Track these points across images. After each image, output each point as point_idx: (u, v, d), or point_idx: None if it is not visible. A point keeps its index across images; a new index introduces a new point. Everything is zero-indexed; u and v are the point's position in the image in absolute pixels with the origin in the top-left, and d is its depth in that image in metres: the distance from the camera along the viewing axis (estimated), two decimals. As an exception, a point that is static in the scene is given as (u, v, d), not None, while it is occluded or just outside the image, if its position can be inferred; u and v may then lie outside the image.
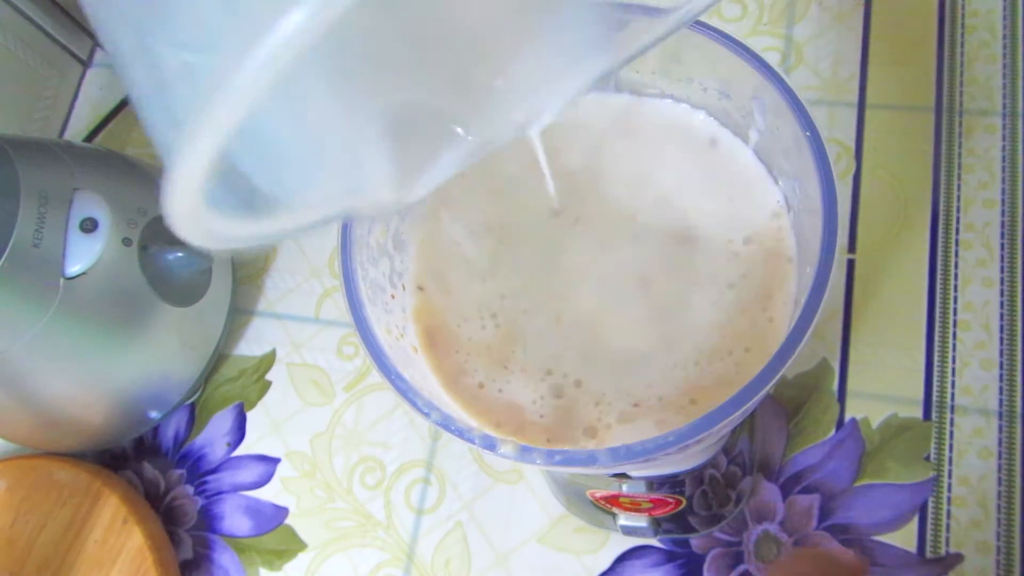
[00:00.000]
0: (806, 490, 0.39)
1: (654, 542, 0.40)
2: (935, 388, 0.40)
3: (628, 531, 0.38)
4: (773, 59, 0.46)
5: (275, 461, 0.46)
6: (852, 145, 0.45)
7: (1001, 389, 0.39)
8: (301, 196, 0.16)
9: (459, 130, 0.17)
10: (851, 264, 0.43)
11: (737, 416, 0.22)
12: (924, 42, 0.46)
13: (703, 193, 0.29)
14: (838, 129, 0.45)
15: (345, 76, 0.15)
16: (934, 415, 0.40)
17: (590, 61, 0.18)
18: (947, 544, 0.38)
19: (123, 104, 0.57)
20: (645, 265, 0.28)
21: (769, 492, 0.40)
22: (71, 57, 0.58)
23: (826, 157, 0.24)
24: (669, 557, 0.40)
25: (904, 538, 0.38)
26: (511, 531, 0.42)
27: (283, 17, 0.11)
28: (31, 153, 0.40)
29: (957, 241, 0.42)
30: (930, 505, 0.38)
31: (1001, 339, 0.40)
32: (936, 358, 0.40)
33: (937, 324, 0.41)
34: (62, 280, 0.39)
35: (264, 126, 0.15)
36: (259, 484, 0.46)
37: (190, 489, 0.46)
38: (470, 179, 0.31)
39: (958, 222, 0.42)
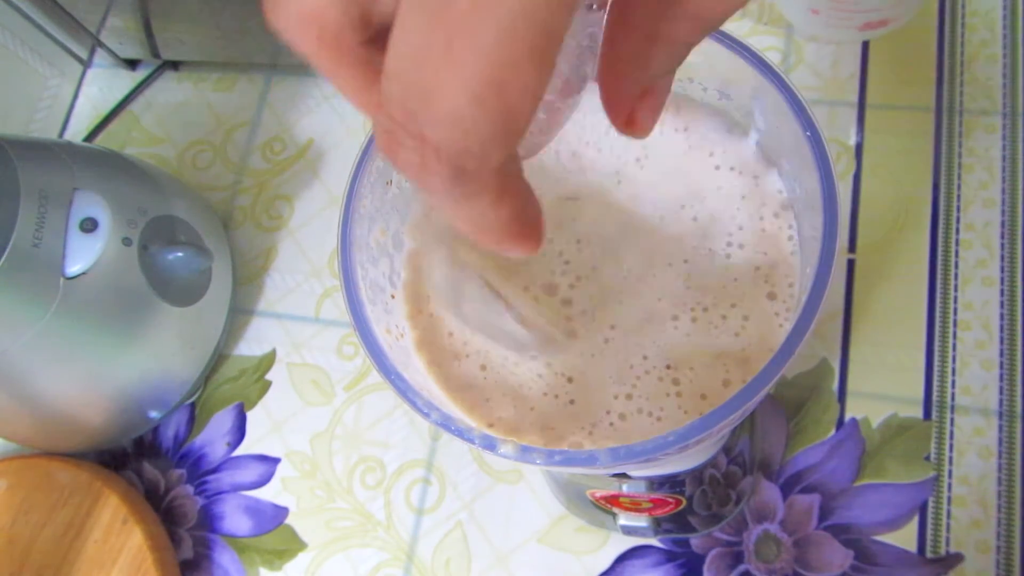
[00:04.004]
0: (806, 490, 0.39)
1: (654, 542, 0.40)
2: (935, 388, 0.40)
3: (628, 531, 0.38)
4: (773, 59, 0.46)
5: (275, 461, 0.46)
6: (852, 145, 0.45)
7: (1001, 389, 0.39)
8: None
9: None
10: (851, 264, 0.43)
11: (737, 416, 0.22)
12: (924, 42, 0.46)
13: (703, 193, 0.29)
14: (838, 129, 0.45)
15: None
16: (934, 415, 0.40)
17: None
18: (947, 544, 0.38)
19: (123, 104, 0.57)
20: (645, 263, 0.28)
21: (769, 492, 0.40)
22: (71, 57, 0.58)
23: (827, 157, 0.24)
24: (669, 557, 0.40)
25: (904, 538, 0.38)
26: (511, 531, 0.42)
27: None
28: (31, 153, 0.40)
29: (957, 241, 0.42)
30: (930, 505, 0.38)
31: (1001, 339, 0.40)
32: (936, 358, 0.40)
33: (937, 324, 0.41)
34: (62, 280, 0.39)
35: None
36: (259, 484, 0.46)
37: (190, 489, 0.46)
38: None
39: (958, 222, 0.42)
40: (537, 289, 0.29)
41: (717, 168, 0.29)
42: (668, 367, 0.27)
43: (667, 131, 0.30)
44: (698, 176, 0.29)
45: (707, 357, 0.27)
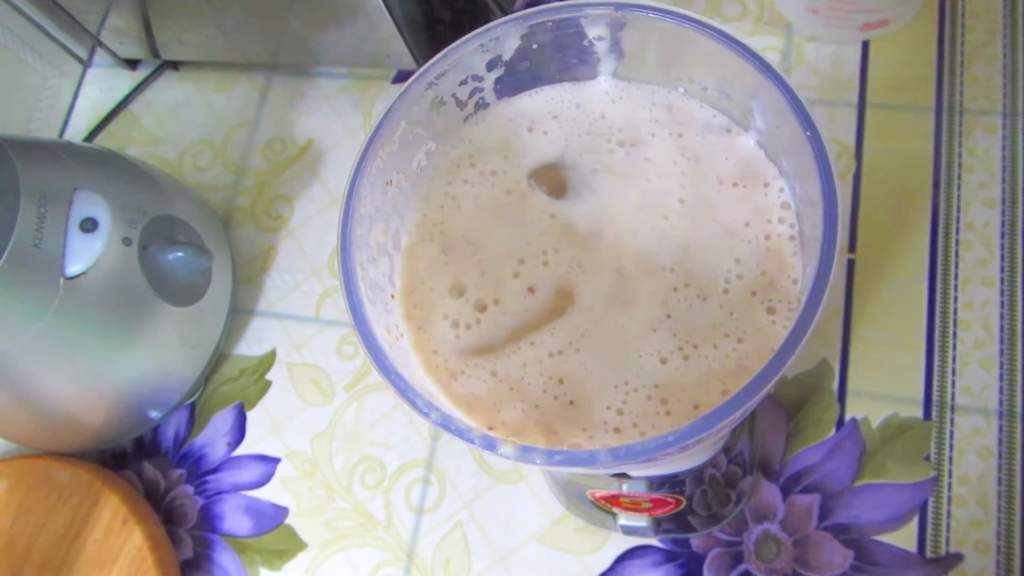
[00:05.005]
0: (806, 490, 0.39)
1: (654, 542, 0.40)
2: (935, 388, 0.40)
3: (628, 531, 0.38)
4: (773, 59, 0.46)
5: (275, 461, 0.46)
6: (852, 145, 0.45)
7: (1001, 389, 0.39)
8: None
9: None
10: (851, 264, 0.43)
11: (737, 416, 0.22)
12: (924, 42, 0.46)
13: (703, 193, 0.29)
14: (838, 129, 0.45)
15: None
16: (934, 415, 0.40)
17: None
18: (947, 544, 0.38)
19: (123, 104, 0.57)
20: (645, 262, 0.28)
21: (769, 492, 0.40)
22: (71, 57, 0.58)
23: (826, 157, 0.24)
24: (669, 557, 0.40)
25: (904, 538, 0.38)
26: (511, 531, 0.42)
27: None
28: (31, 153, 0.40)
29: (957, 241, 0.42)
30: (930, 505, 0.38)
31: (1001, 339, 0.40)
32: (936, 358, 0.41)
33: (937, 324, 0.41)
34: (62, 280, 0.39)
35: None
36: (259, 484, 0.46)
37: (190, 489, 0.46)
38: (470, 180, 0.31)
39: (958, 222, 0.42)
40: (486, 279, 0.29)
41: (718, 189, 0.29)
42: (656, 385, 0.27)
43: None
44: (699, 226, 0.29)
45: (700, 379, 0.26)
